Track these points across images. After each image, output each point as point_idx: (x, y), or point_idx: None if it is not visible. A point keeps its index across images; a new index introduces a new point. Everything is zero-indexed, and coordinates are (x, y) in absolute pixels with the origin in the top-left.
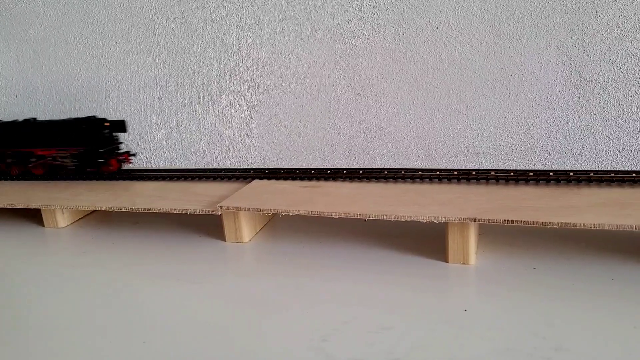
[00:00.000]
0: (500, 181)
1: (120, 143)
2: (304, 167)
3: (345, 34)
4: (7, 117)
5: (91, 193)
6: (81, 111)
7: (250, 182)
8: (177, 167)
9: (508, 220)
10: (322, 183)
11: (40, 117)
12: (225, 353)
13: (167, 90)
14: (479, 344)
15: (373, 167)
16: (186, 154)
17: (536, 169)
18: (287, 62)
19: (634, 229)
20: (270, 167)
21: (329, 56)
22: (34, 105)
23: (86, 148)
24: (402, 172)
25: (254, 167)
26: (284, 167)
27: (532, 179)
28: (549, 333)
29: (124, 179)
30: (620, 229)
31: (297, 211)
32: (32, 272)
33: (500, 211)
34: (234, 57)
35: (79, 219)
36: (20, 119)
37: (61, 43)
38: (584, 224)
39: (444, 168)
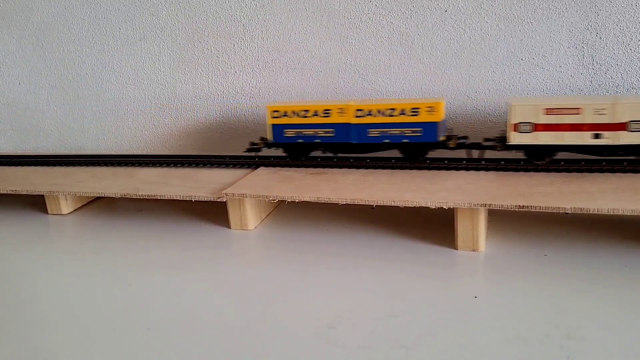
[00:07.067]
0: (510, 170)
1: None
2: (310, 155)
3: (352, 18)
4: (11, 105)
5: (94, 179)
6: (85, 99)
7: (255, 169)
8: (181, 153)
9: (519, 206)
10: (328, 170)
11: (44, 105)
12: (231, 341)
13: (171, 77)
14: (488, 332)
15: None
16: (190, 141)
17: None
18: (292, 47)
19: None
20: (276, 155)
21: (335, 41)
22: (37, 93)
23: None
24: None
25: (259, 155)
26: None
27: (542, 168)
28: (561, 321)
29: (127, 164)
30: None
31: (303, 198)
32: (35, 259)
33: (511, 197)
34: (239, 43)
35: (83, 205)
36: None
37: (64, 29)
38: (597, 209)
39: (452, 157)
